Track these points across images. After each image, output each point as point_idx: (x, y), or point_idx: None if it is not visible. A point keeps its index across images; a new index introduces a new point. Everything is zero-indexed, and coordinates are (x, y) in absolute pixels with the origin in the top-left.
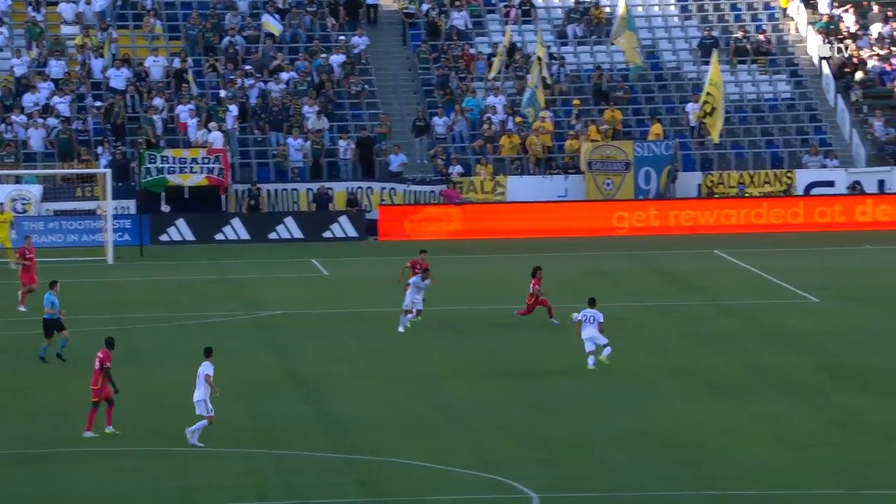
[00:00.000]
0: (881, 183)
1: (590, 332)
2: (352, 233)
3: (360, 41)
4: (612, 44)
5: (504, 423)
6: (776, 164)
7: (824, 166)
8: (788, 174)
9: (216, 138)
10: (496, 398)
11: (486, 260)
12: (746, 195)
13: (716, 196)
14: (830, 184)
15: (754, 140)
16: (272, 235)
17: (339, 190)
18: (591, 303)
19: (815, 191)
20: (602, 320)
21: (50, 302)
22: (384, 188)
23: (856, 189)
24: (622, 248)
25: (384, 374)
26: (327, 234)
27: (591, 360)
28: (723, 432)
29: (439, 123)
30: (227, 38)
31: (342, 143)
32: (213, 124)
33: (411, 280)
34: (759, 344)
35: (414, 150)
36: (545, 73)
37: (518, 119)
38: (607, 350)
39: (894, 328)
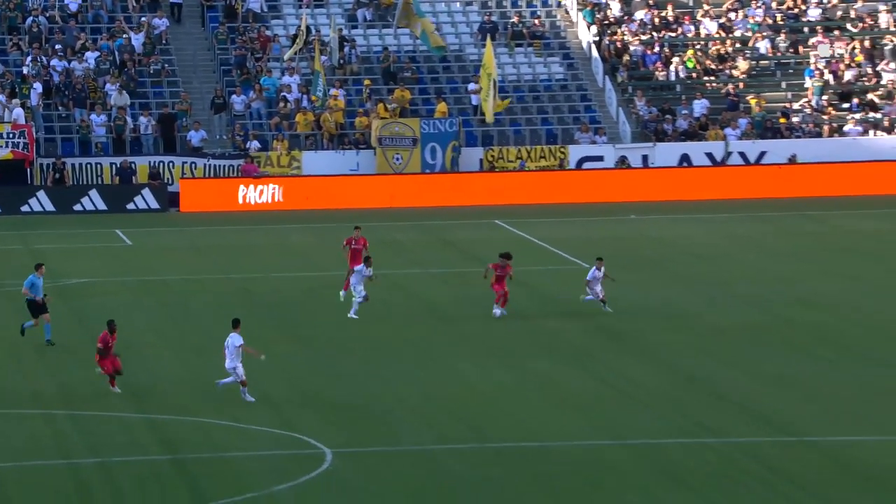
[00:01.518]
0: (644, 157)
1: (594, 288)
2: (154, 205)
3: (160, 22)
4: (398, 28)
5: (296, 387)
6: (551, 140)
7: (594, 142)
8: (562, 149)
9: (19, 114)
10: (288, 363)
11: (280, 231)
12: (526, 169)
13: (496, 170)
14: (600, 158)
15: (531, 118)
16: (77, 207)
17: (141, 164)
18: (599, 261)
19: (587, 165)
20: (598, 275)
21: (30, 283)
22: (185, 162)
23: (623, 163)
24: (410, 218)
25: (184, 341)
26: (131, 206)
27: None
28: (498, 393)
29: (237, 101)
30: (30, 18)
31: (143, 119)
32: (16, 101)
33: (356, 268)
34: (534, 309)
35: (213, 127)
36: (333, 56)
37: (314, 98)
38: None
39: (657, 293)
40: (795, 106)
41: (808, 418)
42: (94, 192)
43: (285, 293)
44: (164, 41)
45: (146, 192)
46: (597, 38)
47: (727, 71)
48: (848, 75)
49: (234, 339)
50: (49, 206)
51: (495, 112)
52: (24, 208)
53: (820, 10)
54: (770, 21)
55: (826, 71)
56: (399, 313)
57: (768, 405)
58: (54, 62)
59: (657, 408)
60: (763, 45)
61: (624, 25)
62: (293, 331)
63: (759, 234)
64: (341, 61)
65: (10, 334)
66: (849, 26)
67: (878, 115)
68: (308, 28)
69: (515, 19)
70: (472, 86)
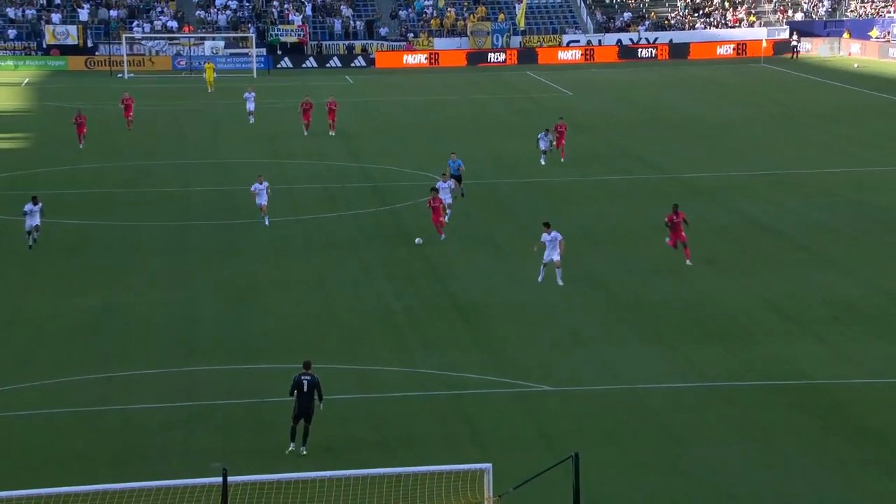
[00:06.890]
0: (599, 41)
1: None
2: (363, 64)
3: None
4: None
5: (434, 160)
6: (554, 32)
7: (575, 33)
8: (559, 37)
9: (298, 20)
10: (420, 143)
11: (423, 76)
12: (542, 46)
13: (528, 47)
14: (577, 41)
15: (544, 20)
16: (327, 65)
17: (356, 44)
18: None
19: (571, 44)
20: None
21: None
22: (378, 43)
23: (588, 44)
24: (484, 71)
25: (373, 130)
26: (352, 65)
27: None
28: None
29: (402, 13)
30: None
31: (358, 22)
32: (297, 13)
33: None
34: (539, 115)
35: (391, 26)
36: None
37: (442, 3)
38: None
39: (598, 105)
40: (671, 14)
41: (681, 165)
42: (335, 58)
43: (424, 108)
44: None
45: (360, 57)
46: None
47: None
48: None
49: (547, 236)
50: (314, 65)
51: (521, 24)
52: (304, 65)
53: None
54: None
55: None
56: (470, 117)
57: (658, 161)
58: None
59: (601, 163)
60: None
61: None
62: (423, 122)
63: (653, 77)
64: None
65: (285, 139)
66: None
67: (711, 19)
68: None
69: None
70: (517, 7)
